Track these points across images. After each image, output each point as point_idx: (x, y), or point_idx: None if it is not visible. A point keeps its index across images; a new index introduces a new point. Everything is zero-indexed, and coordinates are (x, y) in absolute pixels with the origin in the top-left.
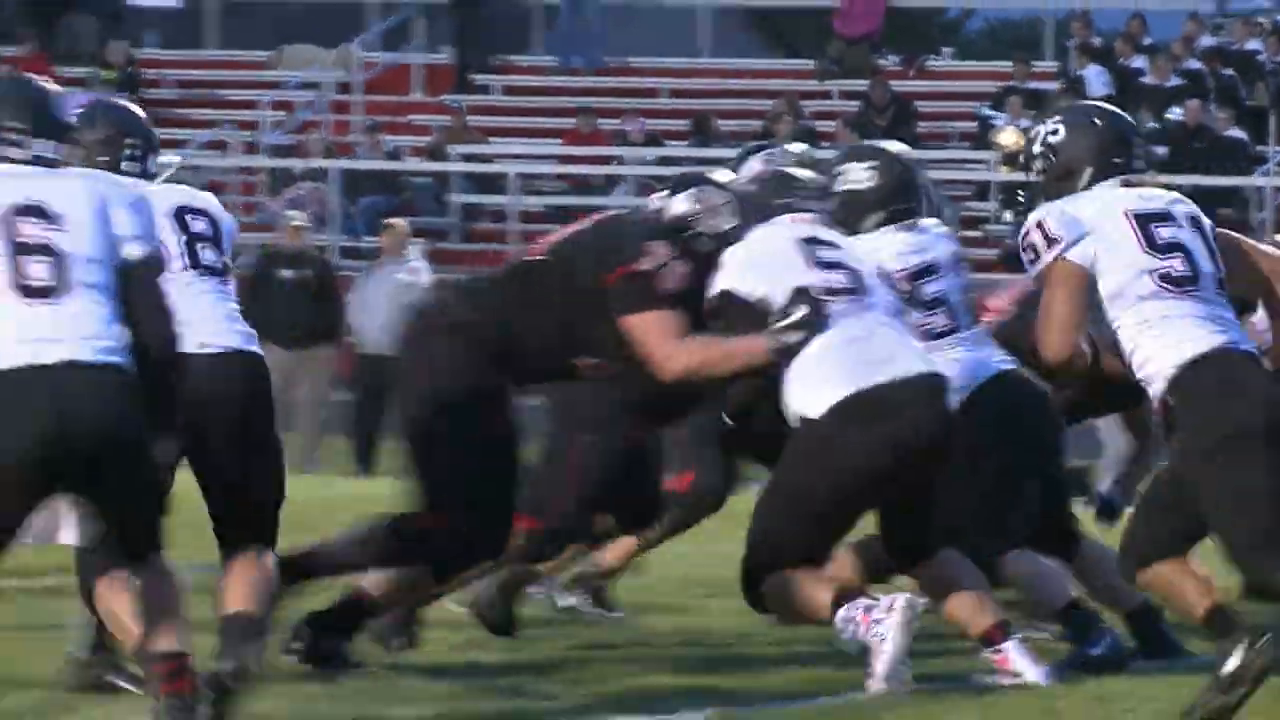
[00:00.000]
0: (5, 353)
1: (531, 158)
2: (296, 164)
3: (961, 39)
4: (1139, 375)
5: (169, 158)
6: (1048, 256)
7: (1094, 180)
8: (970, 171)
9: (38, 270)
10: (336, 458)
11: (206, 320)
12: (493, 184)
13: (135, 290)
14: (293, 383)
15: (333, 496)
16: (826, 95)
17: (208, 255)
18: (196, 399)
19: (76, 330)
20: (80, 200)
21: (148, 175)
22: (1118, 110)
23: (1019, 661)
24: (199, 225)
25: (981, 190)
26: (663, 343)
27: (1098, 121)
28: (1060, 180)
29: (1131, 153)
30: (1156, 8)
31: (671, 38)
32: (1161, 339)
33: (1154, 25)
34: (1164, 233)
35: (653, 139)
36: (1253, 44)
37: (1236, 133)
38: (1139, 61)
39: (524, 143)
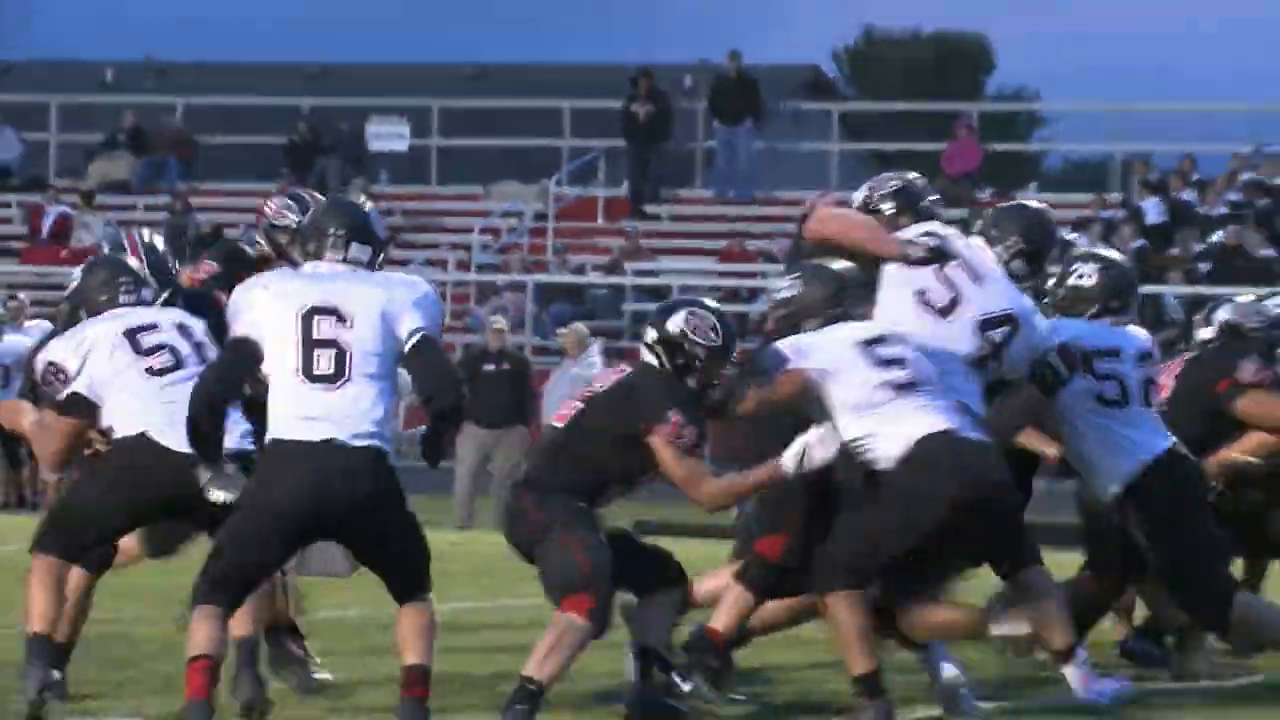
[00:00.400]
0: (286, 426)
1: (692, 272)
2: (500, 278)
3: (1043, 174)
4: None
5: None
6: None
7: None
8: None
9: (323, 361)
10: None
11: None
12: (660, 294)
13: (419, 356)
14: (491, 455)
15: None
16: None
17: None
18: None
19: (344, 414)
20: (372, 303)
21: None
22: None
23: (1075, 678)
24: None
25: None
26: (698, 484)
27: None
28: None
29: (1129, 299)
30: (1205, 149)
31: (808, 174)
32: None
33: (1203, 163)
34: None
35: (789, 256)
36: None
37: (1269, 251)
38: (1189, 194)
39: (686, 260)
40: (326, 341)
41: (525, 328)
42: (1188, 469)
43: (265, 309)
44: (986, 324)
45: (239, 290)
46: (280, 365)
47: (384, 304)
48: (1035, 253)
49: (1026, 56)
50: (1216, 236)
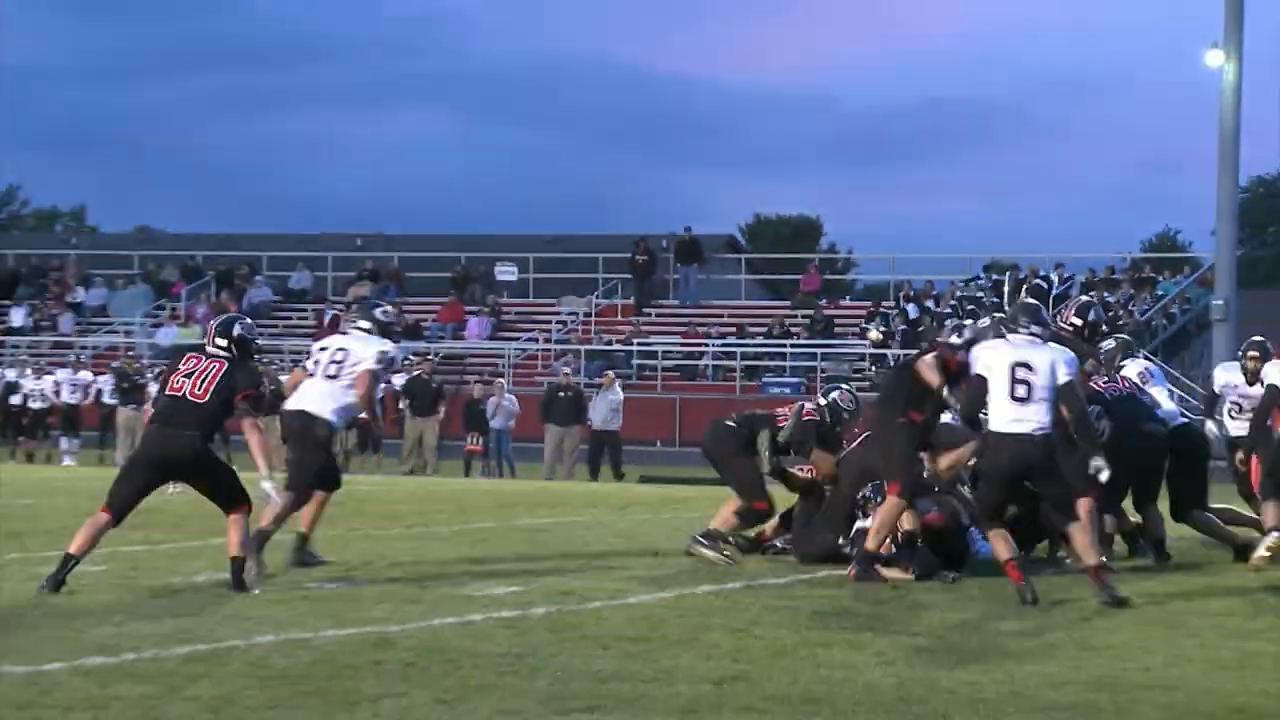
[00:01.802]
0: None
1: (666, 345)
2: (568, 347)
3: (854, 291)
4: None
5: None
6: None
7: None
8: (856, 347)
9: (1019, 390)
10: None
11: None
12: (652, 355)
13: (1065, 393)
14: (562, 441)
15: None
16: (792, 318)
17: None
18: None
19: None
20: (1046, 360)
21: None
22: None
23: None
24: None
25: (861, 356)
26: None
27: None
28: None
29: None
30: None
31: (728, 292)
32: None
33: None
34: None
35: (719, 335)
36: None
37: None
38: (929, 302)
39: (664, 339)
40: (1022, 381)
41: (580, 373)
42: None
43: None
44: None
45: None
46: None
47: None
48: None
49: (842, 227)
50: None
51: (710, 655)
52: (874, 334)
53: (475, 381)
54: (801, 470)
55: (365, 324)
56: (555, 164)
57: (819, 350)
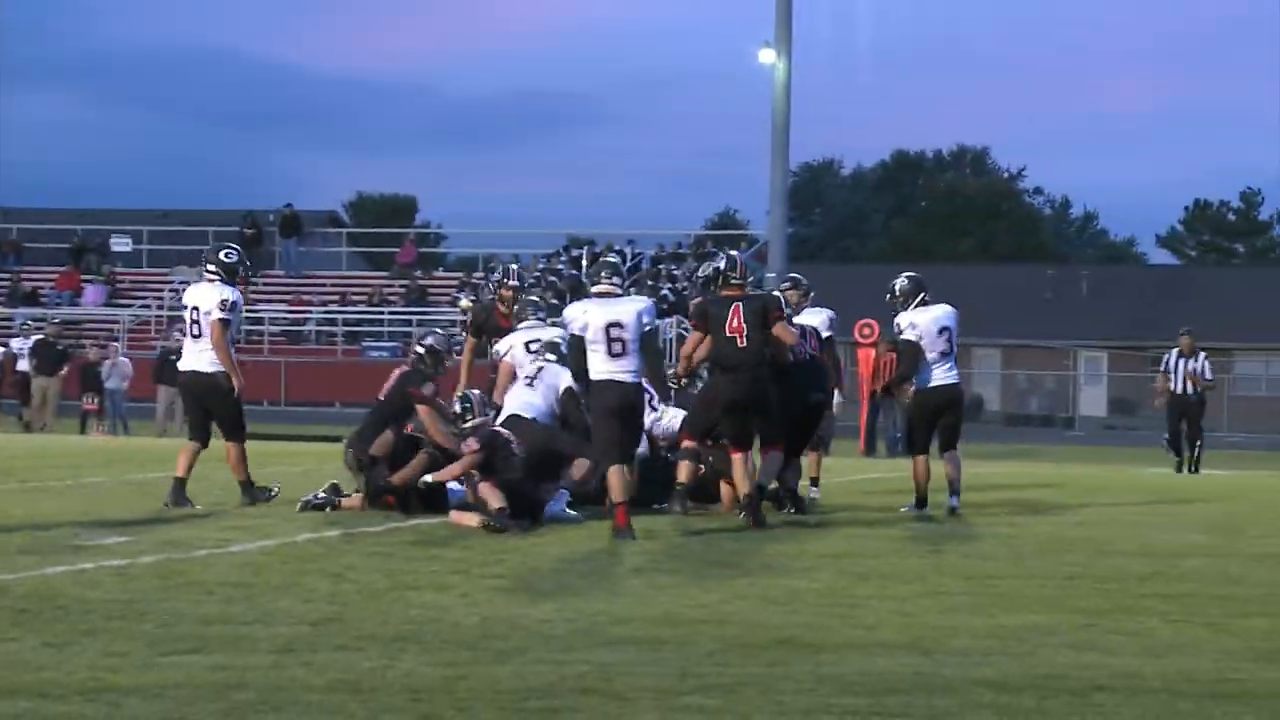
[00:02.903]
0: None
1: (273, 311)
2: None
3: (448, 263)
4: None
5: None
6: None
7: None
8: (451, 315)
9: (616, 348)
10: None
11: None
12: (258, 321)
13: (646, 342)
14: (176, 404)
15: None
16: (390, 288)
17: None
18: None
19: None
20: (633, 314)
21: None
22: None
23: None
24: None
25: (454, 323)
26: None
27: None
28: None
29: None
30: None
31: (330, 265)
32: None
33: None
34: None
35: (321, 303)
36: None
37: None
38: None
39: (271, 307)
40: (616, 339)
41: None
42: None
43: None
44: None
45: None
46: None
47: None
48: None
49: (438, 205)
50: None
51: (308, 599)
52: (464, 302)
53: (92, 345)
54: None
55: (212, 267)
56: (174, 145)
57: (414, 317)
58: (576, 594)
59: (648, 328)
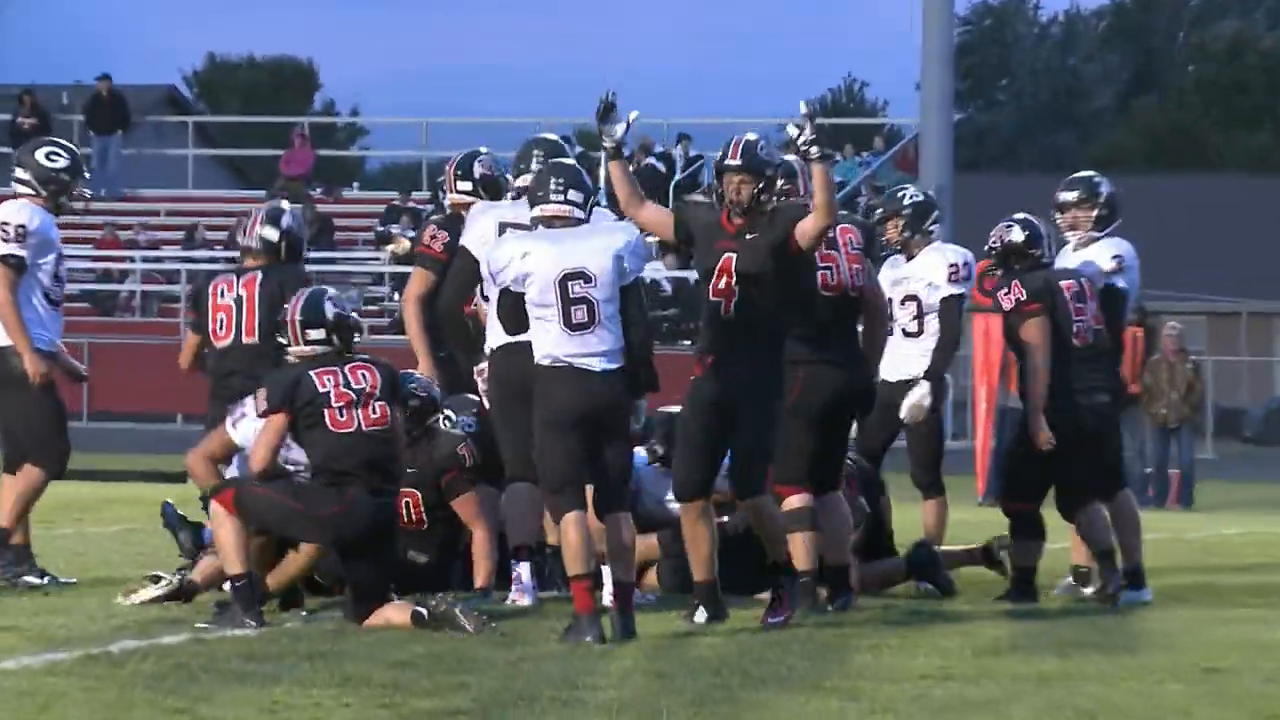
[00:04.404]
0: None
1: (71, 256)
2: None
3: (364, 176)
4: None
5: None
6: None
7: None
8: (371, 266)
9: (579, 314)
10: None
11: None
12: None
13: (627, 302)
14: None
15: None
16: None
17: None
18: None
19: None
20: (606, 257)
21: None
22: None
23: None
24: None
25: (378, 278)
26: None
27: None
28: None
29: None
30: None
31: (170, 176)
32: None
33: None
34: None
35: (153, 244)
36: None
37: None
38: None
39: (69, 248)
40: (579, 299)
41: None
42: None
43: None
44: None
45: None
46: None
47: (615, 256)
48: None
49: (349, 74)
50: None
51: None
52: (397, 244)
53: None
54: None
55: (23, 175)
56: None
57: (314, 268)
58: None
59: (631, 278)
